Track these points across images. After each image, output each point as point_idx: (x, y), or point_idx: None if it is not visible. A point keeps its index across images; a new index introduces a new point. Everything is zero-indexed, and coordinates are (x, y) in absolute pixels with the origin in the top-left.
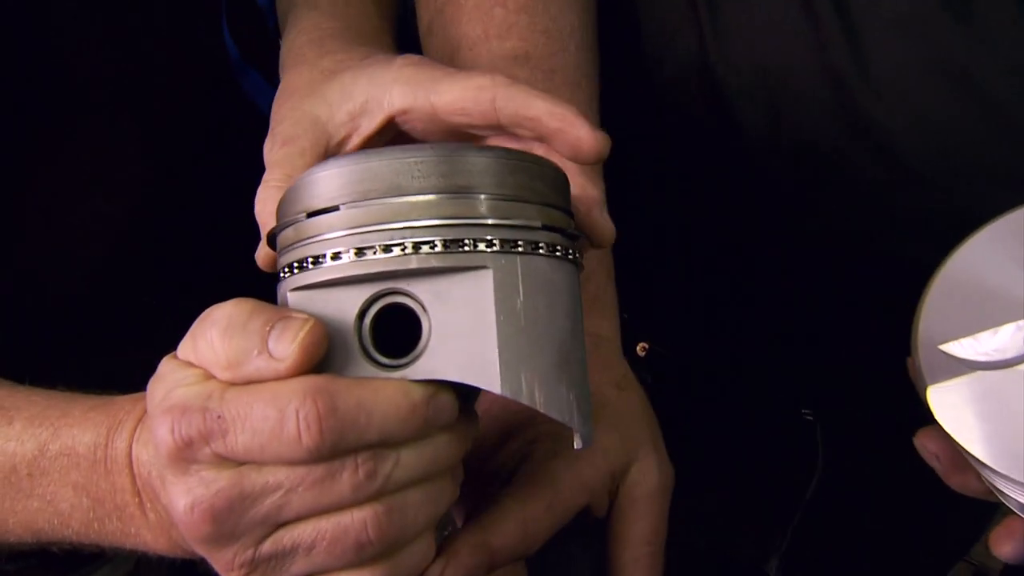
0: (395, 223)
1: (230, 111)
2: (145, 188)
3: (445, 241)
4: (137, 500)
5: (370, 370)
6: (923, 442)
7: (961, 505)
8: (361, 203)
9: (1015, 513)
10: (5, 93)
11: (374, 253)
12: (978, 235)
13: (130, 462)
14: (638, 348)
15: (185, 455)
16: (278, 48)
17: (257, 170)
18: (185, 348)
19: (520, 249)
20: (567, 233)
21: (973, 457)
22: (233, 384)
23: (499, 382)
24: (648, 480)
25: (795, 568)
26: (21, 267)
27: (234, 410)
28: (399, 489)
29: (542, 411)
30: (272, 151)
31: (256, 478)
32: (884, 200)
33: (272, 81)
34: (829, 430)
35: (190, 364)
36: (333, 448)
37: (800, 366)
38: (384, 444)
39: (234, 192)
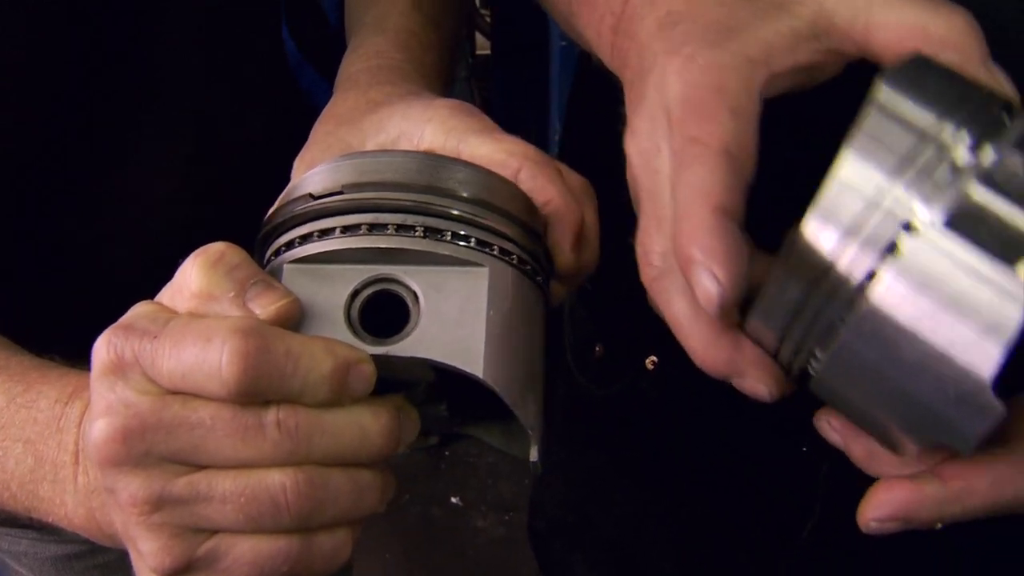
0: (412, 209)
1: (286, 106)
2: (198, 173)
3: (454, 233)
4: (74, 460)
5: (354, 343)
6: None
7: (967, 555)
8: (378, 188)
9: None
10: (77, 81)
11: (387, 231)
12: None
13: (80, 422)
14: (647, 362)
15: (115, 372)
16: (337, 45)
17: None
18: (162, 292)
19: (514, 262)
20: (547, 271)
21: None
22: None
23: (482, 367)
24: None
25: None
26: (77, 241)
27: (169, 335)
28: (323, 463)
29: (512, 407)
30: (297, 171)
31: (178, 409)
32: None
33: (330, 78)
34: (833, 469)
35: (157, 303)
36: (254, 388)
37: (809, 400)
38: (306, 399)
39: (283, 185)
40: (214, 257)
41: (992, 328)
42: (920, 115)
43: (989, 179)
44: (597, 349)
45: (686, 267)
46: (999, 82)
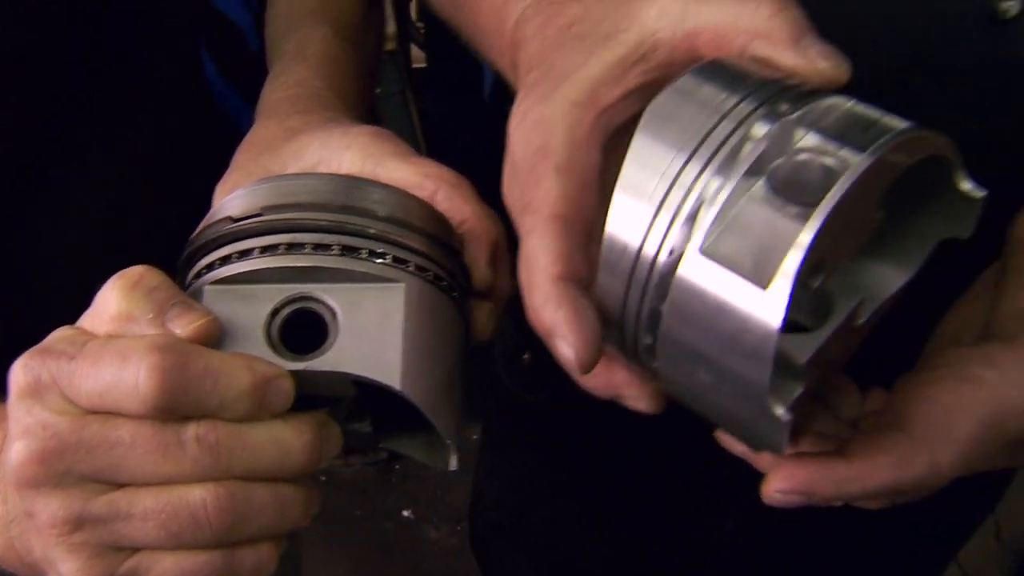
0: (329, 228)
1: (209, 130)
2: (124, 203)
3: (371, 251)
4: None
5: (274, 360)
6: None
7: (876, 544)
8: (296, 209)
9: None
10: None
11: (304, 250)
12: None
13: None
14: (524, 358)
15: (33, 394)
16: (259, 67)
17: None
18: (82, 318)
19: (430, 278)
20: (464, 287)
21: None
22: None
23: (399, 379)
24: None
25: None
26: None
27: (87, 355)
28: (244, 478)
29: (430, 417)
30: (219, 196)
31: (97, 428)
32: None
33: (252, 102)
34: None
35: (77, 327)
36: (172, 404)
37: None
38: (225, 415)
39: (207, 210)
40: (133, 280)
41: (757, 350)
42: (708, 95)
43: (765, 159)
44: (525, 357)
45: (544, 336)
46: (810, 60)
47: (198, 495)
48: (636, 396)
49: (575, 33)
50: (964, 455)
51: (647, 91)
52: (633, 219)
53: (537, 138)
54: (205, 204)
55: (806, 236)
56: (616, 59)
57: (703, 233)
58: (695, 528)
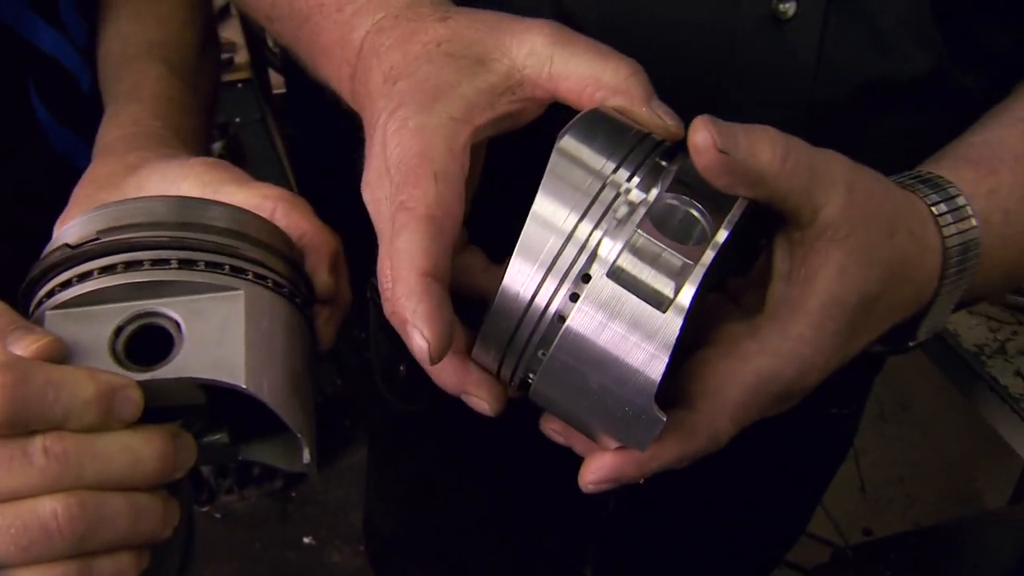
0: (166, 244)
1: (45, 169)
2: None
3: (208, 263)
4: None
5: (120, 373)
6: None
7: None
8: (132, 229)
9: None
10: None
11: (143, 267)
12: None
13: None
14: (400, 369)
15: None
16: (92, 106)
17: None
18: None
19: (270, 285)
20: (306, 295)
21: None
22: None
23: (244, 378)
24: None
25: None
26: None
27: None
28: (96, 487)
29: (277, 411)
30: (58, 231)
31: None
32: None
33: (88, 141)
34: None
35: None
36: (15, 418)
37: None
38: (72, 425)
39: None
40: None
41: (645, 368)
42: (594, 159)
43: (650, 216)
44: (401, 369)
45: (400, 326)
46: (659, 117)
47: (48, 506)
48: (483, 397)
49: (445, 51)
50: (736, 420)
51: (510, 119)
52: (533, 264)
53: (417, 144)
54: (45, 243)
55: (685, 297)
56: (487, 86)
57: (600, 271)
58: (580, 513)
